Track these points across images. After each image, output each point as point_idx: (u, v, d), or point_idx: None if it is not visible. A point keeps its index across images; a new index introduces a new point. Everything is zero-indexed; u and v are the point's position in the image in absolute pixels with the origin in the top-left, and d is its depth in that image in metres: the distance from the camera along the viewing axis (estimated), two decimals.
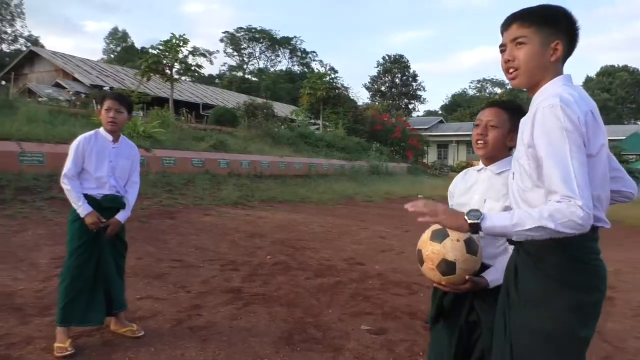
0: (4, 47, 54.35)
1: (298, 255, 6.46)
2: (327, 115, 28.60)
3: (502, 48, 1.73)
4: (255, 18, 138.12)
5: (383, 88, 68.79)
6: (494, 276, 1.96)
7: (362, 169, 20.84)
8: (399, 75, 68.09)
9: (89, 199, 3.24)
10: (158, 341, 3.42)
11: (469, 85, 73.44)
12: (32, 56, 35.28)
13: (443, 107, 74.05)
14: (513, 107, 2.13)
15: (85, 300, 3.22)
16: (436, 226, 1.97)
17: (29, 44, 48.84)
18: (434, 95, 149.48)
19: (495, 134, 2.09)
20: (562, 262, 1.57)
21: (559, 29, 1.63)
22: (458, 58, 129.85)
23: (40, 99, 18.73)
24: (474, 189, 2.19)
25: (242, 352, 3.35)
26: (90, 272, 3.23)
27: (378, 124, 29.76)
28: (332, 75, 32.21)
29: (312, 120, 29.09)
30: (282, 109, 34.35)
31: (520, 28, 1.66)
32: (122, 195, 3.41)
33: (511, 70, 1.69)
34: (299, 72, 64.38)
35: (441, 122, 54.76)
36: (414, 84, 68.73)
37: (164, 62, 20.38)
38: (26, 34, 57.55)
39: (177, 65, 21.20)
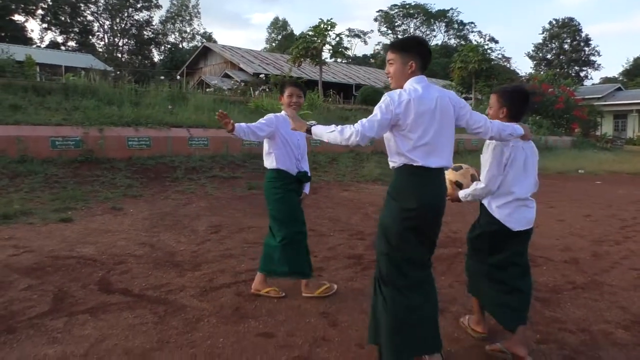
0: (185, 44, 61.49)
1: None
2: (480, 88, 27.42)
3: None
4: None
5: (549, 56, 63.23)
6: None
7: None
8: (568, 41, 61.87)
9: (288, 175, 3.82)
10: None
11: None
12: (205, 51, 39.55)
13: (624, 73, 65.37)
14: (502, 91, 3.18)
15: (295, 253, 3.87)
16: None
17: (204, 41, 54.40)
18: (613, 60, 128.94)
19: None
20: (393, 184, 2.64)
21: (414, 53, 2.58)
22: None
23: (207, 90, 21.08)
24: None
25: (350, 307, 3.75)
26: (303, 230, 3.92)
27: (537, 94, 27.65)
28: (487, 46, 30.65)
29: (464, 95, 28.15)
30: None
31: (390, 53, 2.65)
32: (306, 169, 3.97)
33: (389, 78, 2.71)
34: (455, 45, 61.88)
35: (619, 89, 48.53)
36: (586, 49, 62.00)
37: (313, 46, 21.39)
38: (202, 31, 64.50)
39: (325, 49, 22.10)
